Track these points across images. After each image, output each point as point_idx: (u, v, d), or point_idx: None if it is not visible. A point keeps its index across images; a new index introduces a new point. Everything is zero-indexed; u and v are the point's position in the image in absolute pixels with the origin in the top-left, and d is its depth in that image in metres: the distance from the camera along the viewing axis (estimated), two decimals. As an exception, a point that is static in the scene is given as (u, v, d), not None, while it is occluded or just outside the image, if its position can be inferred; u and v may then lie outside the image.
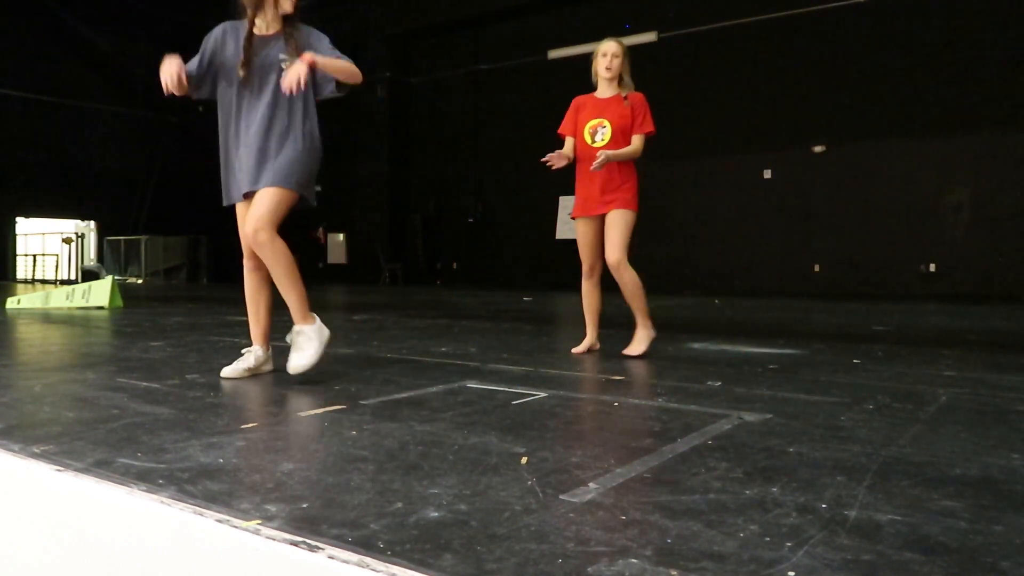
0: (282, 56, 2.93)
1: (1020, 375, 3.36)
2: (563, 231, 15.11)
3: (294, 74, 2.76)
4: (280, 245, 2.96)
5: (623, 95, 3.89)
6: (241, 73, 2.91)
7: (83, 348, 4.34)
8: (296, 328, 3.02)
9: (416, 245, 17.80)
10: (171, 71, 2.79)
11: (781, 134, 13.14)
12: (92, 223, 20.64)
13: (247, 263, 3.13)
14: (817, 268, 12.97)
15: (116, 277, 11.43)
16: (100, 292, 7.95)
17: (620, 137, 3.83)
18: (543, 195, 15.01)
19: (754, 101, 13.30)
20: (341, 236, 19.03)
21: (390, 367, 3.52)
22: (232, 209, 3.18)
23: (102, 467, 1.71)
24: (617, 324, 5.15)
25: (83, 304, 7.91)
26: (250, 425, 2.19)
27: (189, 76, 2.90)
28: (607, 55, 3.88)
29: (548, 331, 5.61)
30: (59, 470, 1.69)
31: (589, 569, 1.16)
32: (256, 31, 2.97)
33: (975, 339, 5.08)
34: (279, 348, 3.29)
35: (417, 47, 17.67)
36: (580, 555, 1.21)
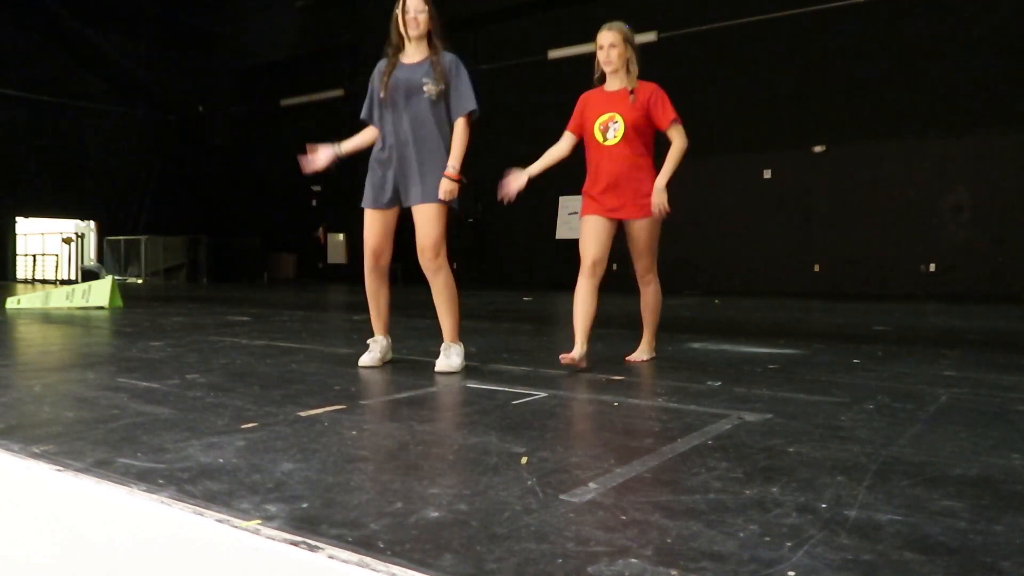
0: (424, 79, 3.30)
1: (1020, 375, 3.36)
2: (563, 231, 15.10)
3: (449, 190, 3.30)
4: (450, 273, 3.38)
5: (629, 89, 3.50)
6: (382, 94, 3.37)
7: (83, 348, 4.34)
8: (446, 344, 3.40)
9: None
10: (320, 165, 3.49)
11: (781, 134, 13.13)
12: (92, 223, 20.63)
13: (369, 263, 3.46)
14: (817, 268, 12.95)
15: (116, 277, 11.43)
16: (100, 292, 7.95)
17: (632, 134, 3.46)
18: (543, 195, 14.98)
19: (754, 101, 13.29)
20: (341, 236, 19.01)
21: (390, 367, 3.52)
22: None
23: (102, 467, 1.71)
24: (617, 324, 5.14)
25: (83, 304, 7.91)
26: (250, 425, 2.19)
27: (372, 121, 3.48)
28: (603, 47, 3.49)
29: (548, 331, 5.61)
30: (59, 470, 1.69)
31: (589, 569, 1.16)
32: (405, 60, 3.39)
33: (975, 339, 5.08)
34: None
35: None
36: (580, 555, 1.21)
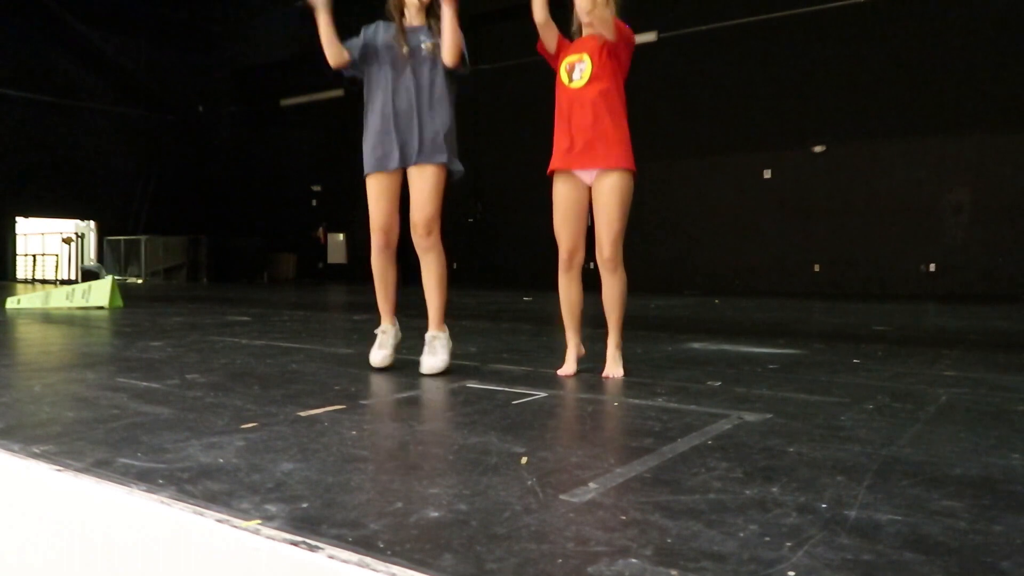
0: (423, 39, 3.28)
1: (1020, 375, 3.36)
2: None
3: None
4: (442, 252, 3.27)
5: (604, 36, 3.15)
6: (404, 50, 3.27)
7: (83, 348, 4.34)
8: (432, 333, 3.28)
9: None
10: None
11: (781, 134, 13.13)
12: (92, 223, 20.63)
13: (378, 242, 3.33)
14: (817, 268, 12.96)
15: (116, 277, 11.43)
16: (100, 292, 7.95)
17: (601, 74, 3.11)
18: (543, 195, 14.99)
19: (754, 101, 13.29)
20: (341, 236, 19.03)
21: (390, 367, 3.51)
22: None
23: (102, 467, 1.71)
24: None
25: (83, 304, 7.91)
26: (250, 425, 2.19)
27: (351, 52, 3.32)
28: None
29: (548, 331, 5.61)
30: (59, 470, 1.69)
31: (589, 569, 1.16)
32: (406, 23, 3.34)
33: (975, 339, 5.08)
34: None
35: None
36: (580, 555, 1.21)
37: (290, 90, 19.60)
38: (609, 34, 3.09)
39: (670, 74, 13.43)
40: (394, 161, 3.25)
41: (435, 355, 3.24)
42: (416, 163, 3.24)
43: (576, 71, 3.16)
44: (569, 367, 3.29)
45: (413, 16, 3.35)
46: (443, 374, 3.24)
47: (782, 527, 1.35)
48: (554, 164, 3.24)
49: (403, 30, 3.29)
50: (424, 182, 3.22)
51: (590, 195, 3.21)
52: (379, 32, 3.38)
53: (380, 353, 3.40)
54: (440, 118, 3.26)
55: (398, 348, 3.48)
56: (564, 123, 3.21)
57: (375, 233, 3.33)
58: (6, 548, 1.67)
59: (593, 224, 3.24)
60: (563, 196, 3.23)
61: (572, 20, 3.25)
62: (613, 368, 3.23)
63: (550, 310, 8.22)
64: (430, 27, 3.31)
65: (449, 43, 3.17)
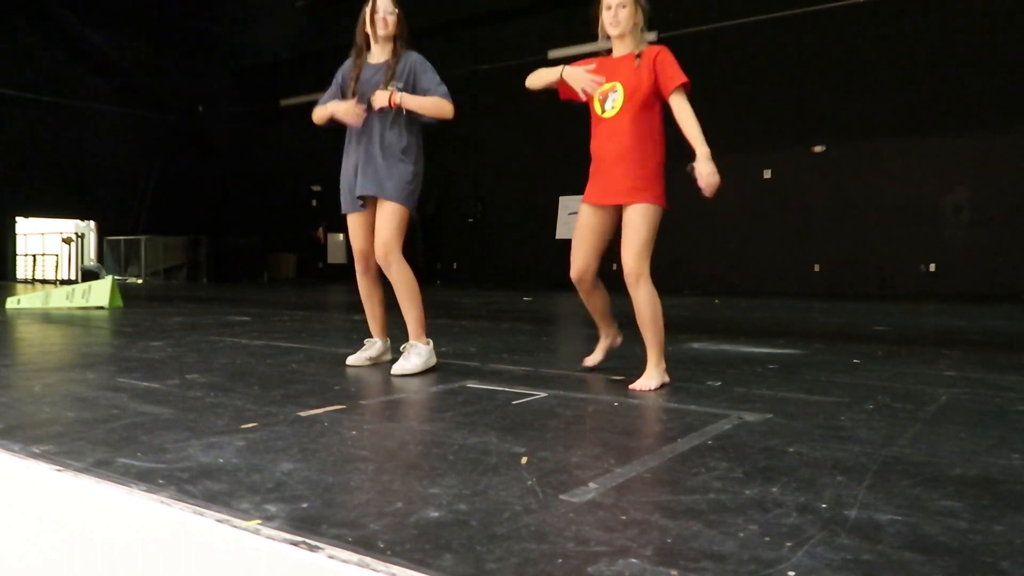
0: (393, 85, 3.36)
1: (1020, 375, 3.36)
2: (563, 231, 15.10)
3: (377, 99, 3.30)
4: (406, 268, 3.37)
5: (635, 53, 3.09)
6: (350, 95, 3.42)
7: (83, 348, 4.34)
8: (410, 343, 3.38)
9: (416, 245, 17.79)
10: (355, 112, 3.35)
11: (781, 134, 13.13)
12: (92, 223, 20.62)
13: (359, 267, 3.56)
14: (817, 268, 12.96)
15: (116, 277, 11.42)
16: (100, 292, 7.95)
17: (633, 105, 3.03)
18: (543, 195, 15.00)
19: (754, 101, 13.29)
20: (341, 236, 19.01)
21: (390, 367, 3.51)
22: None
23: (102, 467, 1.71)
24: (619, 325, 5.13)
25: (83, 304, 7.91)
26: (250, 425, 2.19)
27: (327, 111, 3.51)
28: (611, 7, 3.06)
29: (548, 331, 5.61)
30: (59, 470, 1.69)
31: (589, 569, 1.16)
32: (371, 60, 3.47)
33: (975, 339, 5.08)
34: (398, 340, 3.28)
35: (417, 47, 17.60)
36: (580, 555, 1.21)
37: (290, 90, 19.57)
38: (639, 47, 3.10)
39: (670, 74, 13.40)
40: (359, 203, 3.46)
41: (407, 360, 3.34)
42: (379, 198, 3.38)
43: (609, 100, 3.09)
44: (592, 358, 3.46)
45: (378, 53, 3.44)
46: (443, 375, 3.25)
47: (782, 527, 1.35)
48: (584, 198, 3.19)
49: (357, 73, 3.42)
50: (381, 213, 3.37)
51: (617, 217, 3.13)
52: (350, 71, 3.50)
53: (357, 355, 3.62)
54: (402, 160, 3.36)
55: (380, 360, 3.62)
56: (593, 151, 3.16)
57: (356, 258, 3.56)
58: (6, 548, 1.67)
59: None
60: (584, 219, 3.18)
61: (599, 31, 3.18)
62: (643, 381, 2.97)
63: (550, 310, 8.22)
64: (397, 58, 3.38)
65: (426, 115, 3.37)
